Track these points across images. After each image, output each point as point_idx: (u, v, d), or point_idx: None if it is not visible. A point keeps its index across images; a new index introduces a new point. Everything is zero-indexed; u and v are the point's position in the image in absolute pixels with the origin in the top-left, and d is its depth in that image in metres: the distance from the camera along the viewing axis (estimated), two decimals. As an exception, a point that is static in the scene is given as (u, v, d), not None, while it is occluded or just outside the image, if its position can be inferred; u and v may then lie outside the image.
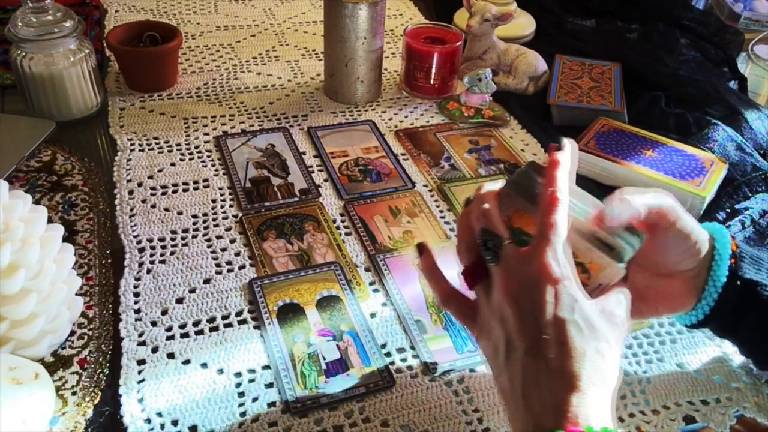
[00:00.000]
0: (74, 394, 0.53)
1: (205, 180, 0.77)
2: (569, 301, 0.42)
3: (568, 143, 0.48)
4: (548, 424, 0.39)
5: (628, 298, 0.46)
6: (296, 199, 0.75)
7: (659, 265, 0.51)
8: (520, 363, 0.42)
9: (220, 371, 0.56)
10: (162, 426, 0.51)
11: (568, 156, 0.47)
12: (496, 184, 0.50)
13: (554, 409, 0.40)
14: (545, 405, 0.40)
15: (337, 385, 0.55)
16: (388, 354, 0.59)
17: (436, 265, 0.51)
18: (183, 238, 0.69)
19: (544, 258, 0.43)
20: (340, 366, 0.57)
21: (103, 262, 0.65)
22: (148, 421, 0.52)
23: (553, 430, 0.39)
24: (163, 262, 0.66)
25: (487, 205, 0.48)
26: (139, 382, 0.54)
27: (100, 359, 0.56)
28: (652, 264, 0.52)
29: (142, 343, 0.58)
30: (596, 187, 0.80)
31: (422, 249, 0.52)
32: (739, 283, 0.50)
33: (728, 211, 0.75)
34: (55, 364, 0.55)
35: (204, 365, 0.56)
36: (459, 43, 0.93)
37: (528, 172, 0.48)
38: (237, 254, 0.67)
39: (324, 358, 0.57)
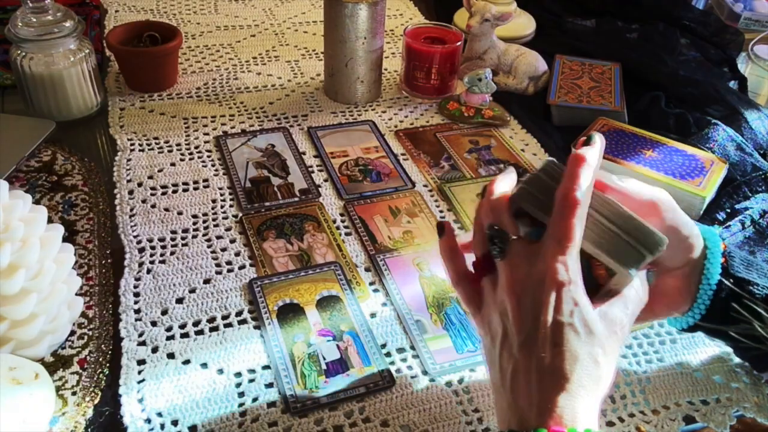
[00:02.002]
0: (74, 394, 0.53)
1: (205, 180, 0.77)
2: (570, 305, 0.42)
3: (598, 139, 0.45)
4: (532, 422, 0.39)
5: (635, 305, 0.45)
6: (296, 199, 0.75)
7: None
8: (513, 358, 0.42)
9: (220, 371, 0.56)
10: (162, 426, 0.51)
11: (596, 153, 0.44)
12: (509, 180, 0.48)
13: (539, 406, 0.40)
14: (531, 402, 0.40)
15: (337, 385, 0.55)
16: (388, 354, 0.59)
17: (456, 245, 0.50)
18: (183, 238, 0.69)
19: (551, 260, 0.42)
20: (340, 366, 0.57)
21: (103, 262, 0.65)
22: (148, 421, 0.52)
23: (536, 428, 0.39)
24: (163, 262, 0.66)
25: (495, 198, 0.47)
26: (139, 382, 0.54)
27: (100, 359, 0.56)
28: None
29: (142, 343, 0.58)
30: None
31: (443, 228, 0.50)
32: (731, 281, 0.50)
33: (728, 211, 0.75)
34: (55, 364, 0.55)
35: (204, 365, 0.56)
36: (459, 43, 0.93)
37: (540, 178, 0.45)
38: (237, 254, 0.67)
39: (324, 358, 0.57)
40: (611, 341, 0.43)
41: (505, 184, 0.48)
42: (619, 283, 0.45)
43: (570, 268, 0.42)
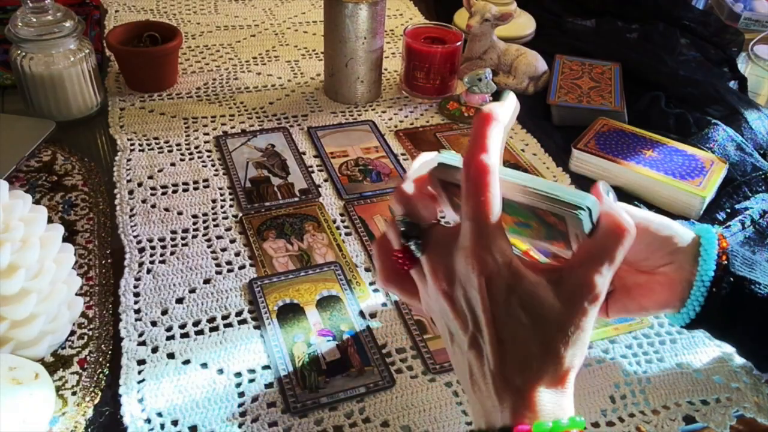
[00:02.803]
0: (74, 394, 0.53)
1: (205, 180, 0.77)
2: (506, 294, 0.38)
3: (509, 94, 0.40)
4: (497, 421, 0.38)
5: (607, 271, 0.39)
6: (296, 199, 0.75)
7: (628, 261, 0.51)
8: (466, 358, 0.40)
9: (220, 371, 0.56)
10: (162, 426, 0.51)
11: (508, 110, 0.40)
12: (427, 162, 0.43)
13: (501, 407, 0.38)
14: (493, 402, 0.38)
15: (337, 385, 0.55)
16: (388, 354, 0.59)
17: (389, 244, 0.45)
18: (183, 238, 0.69)
19: (473, 249, 0.37)
20: (340, 366, 0.57)
21: (103, 262, 0.65)
22: (148, 421, 0.52)
23: (502, 427, 0.37)
24: (163, 262, 0.66)
25: (406, 187, 0.42)
26: (139, 382, 0.54)
27: (100, 359, 0.56)
28: (624, 261, 0.51)
29: (142, 343, 0.58)
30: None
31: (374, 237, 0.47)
32: (732, 279, 0.50)
33: (728, 211, 0.75)
34: (55, 364, 0.55)
35: (204, 365, 0.56)
36: (459, 43, 0.93)
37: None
38: (237, 254, 0.67)
39: (324, 358, 0.57)
40: (574, 317, 0.38)
41: (421, 167, 0.43)
42: (573, 225, 0.39)
43: (497, 248, 0.37)
